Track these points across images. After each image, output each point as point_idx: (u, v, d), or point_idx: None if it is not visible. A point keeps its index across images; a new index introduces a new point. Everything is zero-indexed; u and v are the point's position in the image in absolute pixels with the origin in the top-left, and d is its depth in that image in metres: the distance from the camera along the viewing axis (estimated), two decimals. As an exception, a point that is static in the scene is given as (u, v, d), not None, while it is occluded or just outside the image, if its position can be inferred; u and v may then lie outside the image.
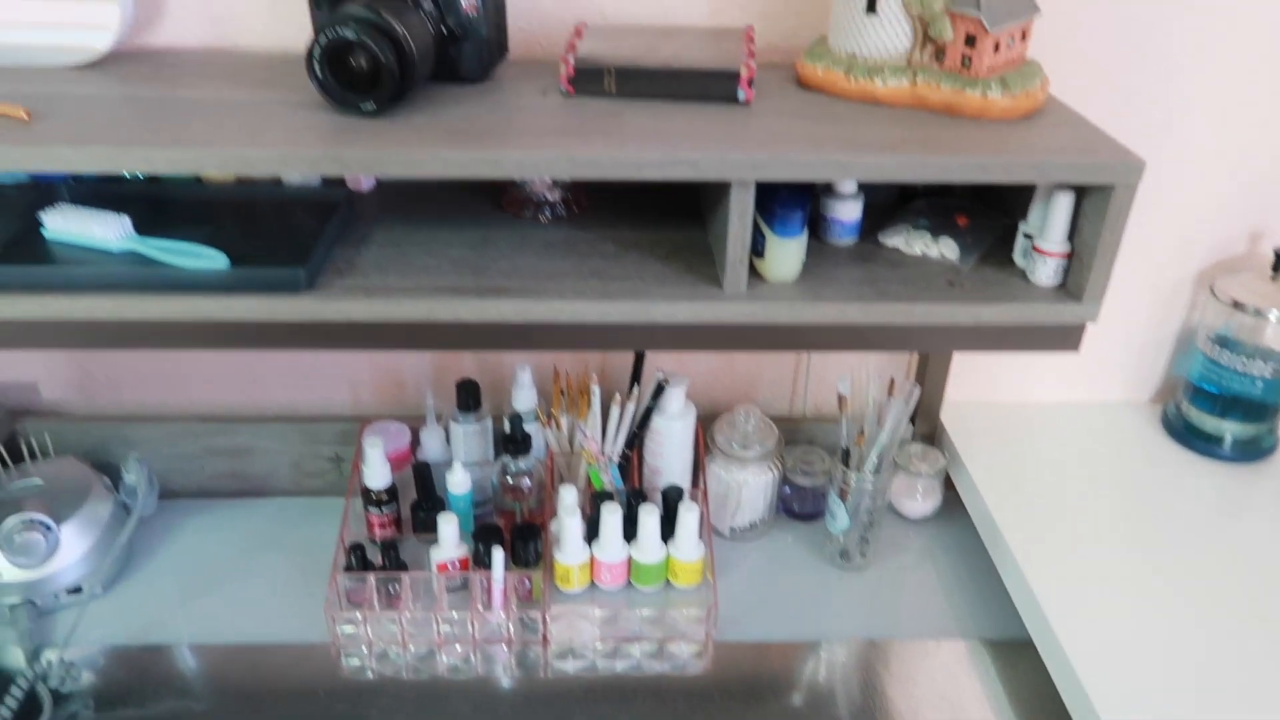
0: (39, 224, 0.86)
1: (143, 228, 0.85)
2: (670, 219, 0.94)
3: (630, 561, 1.07)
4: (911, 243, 0.91)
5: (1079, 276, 0.84)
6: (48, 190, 0.91)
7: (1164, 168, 1.10)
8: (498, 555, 1.01)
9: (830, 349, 0.91)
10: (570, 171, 0.76)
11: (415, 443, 1.18)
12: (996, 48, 0.85)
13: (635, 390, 1.12)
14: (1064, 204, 0.83)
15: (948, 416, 1.24)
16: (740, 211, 0.78)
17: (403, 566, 1.06)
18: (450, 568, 1.05)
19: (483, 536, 1.05)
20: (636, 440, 1.13)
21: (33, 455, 1.16)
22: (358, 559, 1.04)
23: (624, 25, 0.97)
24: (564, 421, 1.12)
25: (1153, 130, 1.08)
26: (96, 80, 0.89)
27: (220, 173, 0.93)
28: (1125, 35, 1.03)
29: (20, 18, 0.89)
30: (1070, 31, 1.02)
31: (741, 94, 0.86)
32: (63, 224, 0.85)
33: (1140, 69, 1.05)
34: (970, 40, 0.84)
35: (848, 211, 0.90)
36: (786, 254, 0.84)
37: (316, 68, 0.80)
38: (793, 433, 1.26)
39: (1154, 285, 1.21)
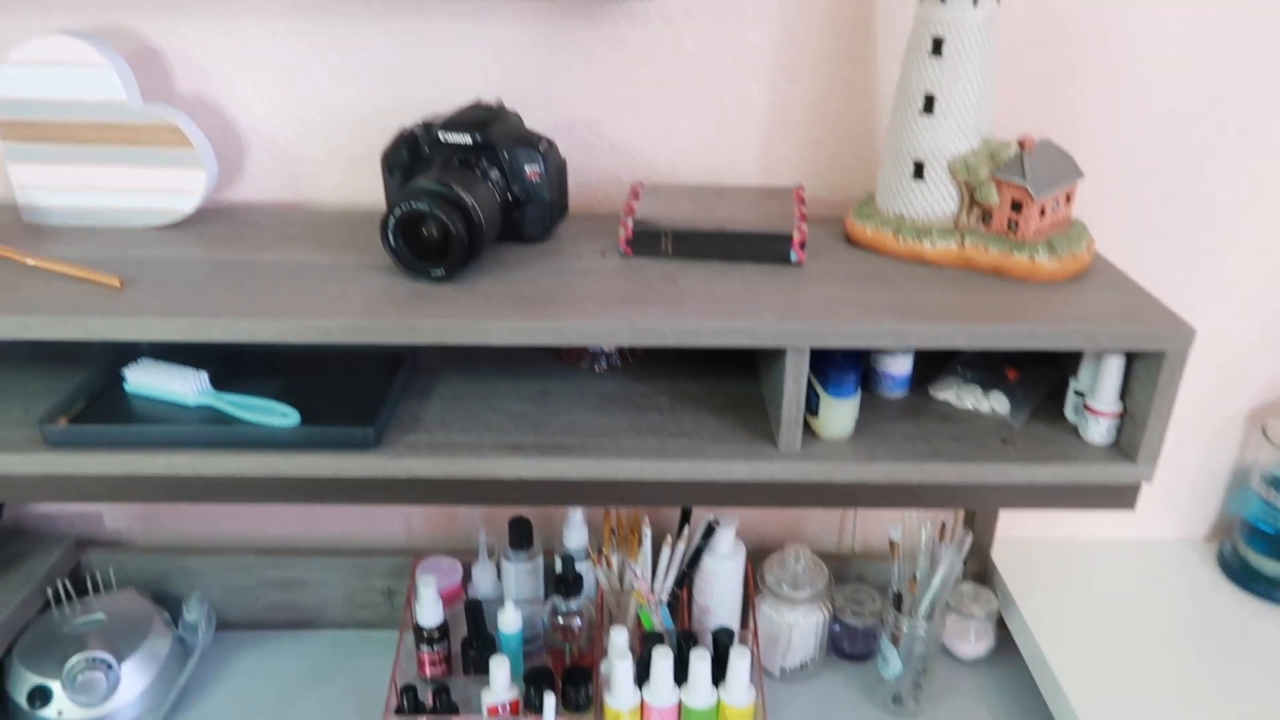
0: (121, 377, 0.90)
1: (218, 378, 0.88)
2: (723, 368, 0.96)
3: (681, 706, 1.06)
4: (962, 397, 0.92)
5: (1132, 436, 0.84)
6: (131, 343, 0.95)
7: (1211, 308, 1.12)
8: (549, 701, 1.01)
9: (884, 506, 0.91)
10: (631, 339, 0.79)
11: (467, 578, 1.19)
12: (1042, 212, 0.87)
13: (685, 530, 1.13)
14: (1115, 367, 0.84)
15: (999, 554, 1.24)
16: (795, 375, 0.81)
17: (454, 709, 1.06)
18: (501, 711, 1.05)
19: (534, 680, 1.05)
20: (686, 579, 1.13)
21: (95, 587, 1.18)
22: (410, 701, 1.05)
23: (678, 185, 1.01)
24: (615, 560, 1.13)
25: (1198, 272, 1.10)
26: (182, 242, 0.94)
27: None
28: (1166, 184, 1.06)
29: (115, 183, 0.95)
30: (1112, 184, 1.05)
31: (794, 255, 0.90)
32: (143, 378, 0.89)
33: (1182, 213, 1.07)
34: (1016, 205, 0.87)
35: (898, 366, 0.92)
36: (841, 413, 0.86)
37: (391, 238, 0.84)
38: (842, 570, 1.26)
39: (1206, 422, 1.21)
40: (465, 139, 0.88)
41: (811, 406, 0.85)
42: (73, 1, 0.87)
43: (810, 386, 0.84)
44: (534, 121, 1.00)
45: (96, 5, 0.87)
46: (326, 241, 0.95)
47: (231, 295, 0.82)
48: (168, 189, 0.96)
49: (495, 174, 0.90)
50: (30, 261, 0.85)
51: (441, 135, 0.89)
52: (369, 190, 1.06)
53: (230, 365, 0.92)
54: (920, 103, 0.88)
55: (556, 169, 0.94)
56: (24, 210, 0.97)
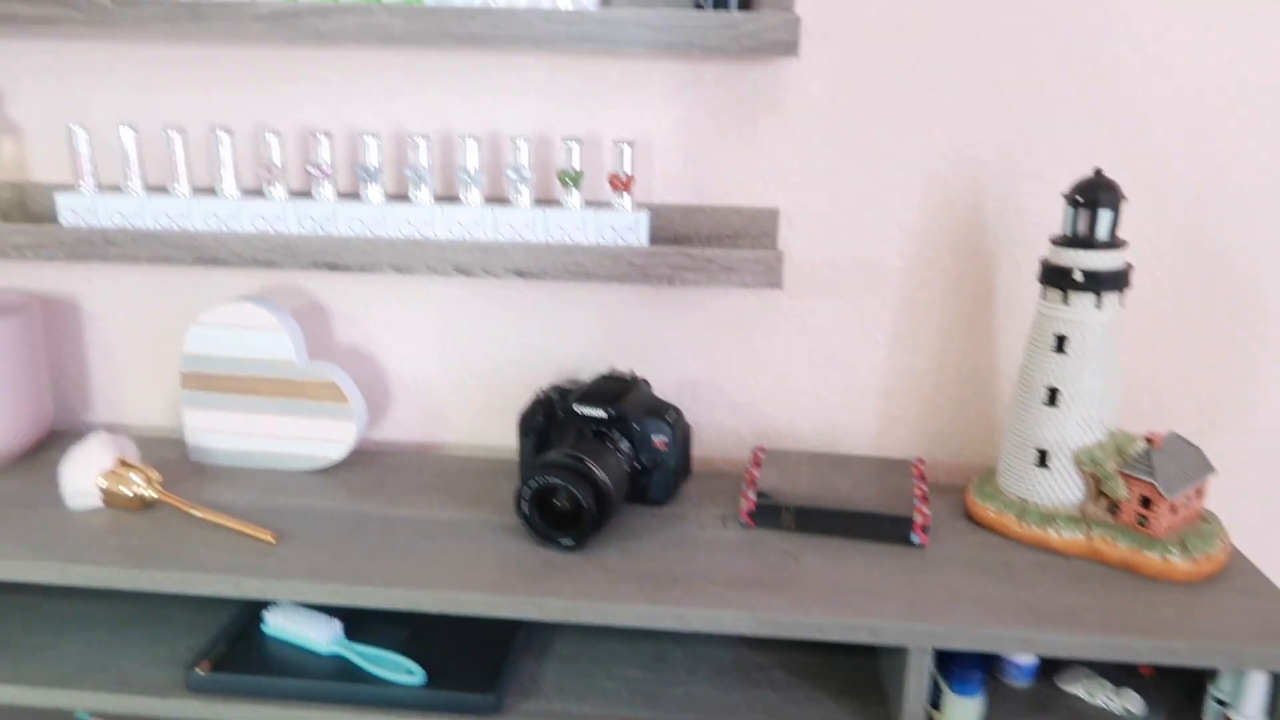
0: (261, 619, 0.94)
1: (350, 620, 0.92)
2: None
3: None
4: (1093, 693, 0.89)
5: (1283, 757, 0.79)
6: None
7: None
8: None
9: (1012, 812, 0.87)
10: (755, 630, 0.80)
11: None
12: (1173, 509, 0.86)
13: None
14: (1261, 682, 0.80)
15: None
16: (918, 672, 0.80)
17: None
18: None
19: None
20: None
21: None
22: None
23: (798, 453, 1.04)
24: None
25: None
26: (329, 490, 1.00)
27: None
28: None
29: (275, 431, 1.03)
30: (1246, 474, 1.03)
31: (916, 538, 0.90)
32: (282, 624, 0.94)
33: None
34: (1146, 501, 0.86)
35: (1026, 656, 0.90)
36: (965, 712, 0.83)
37: (524, 508, 0.88)
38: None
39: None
40: (599, 413, 0.93)
41: (934, 701, 0.84)
42: (258, 259, 0.97)
43: (934, 679, 0.82)
44: (659, 381, 1.06)
45: (277, 266, 0.97)
46: (460, 493, 1.00)
47: (373, 559, 0.87)
48: (321, 438, 1.03)
49: (625, 445, 0.94)
50: (196, 513, 0.92)
51: (577, 408, 0.94)
52: (498, 435, 1.12)
53: (363, 611, 0.96)
54: (1043, 394, 0.90)
55: (683, 436, 0.98)
56: (192, 450, 1.06)
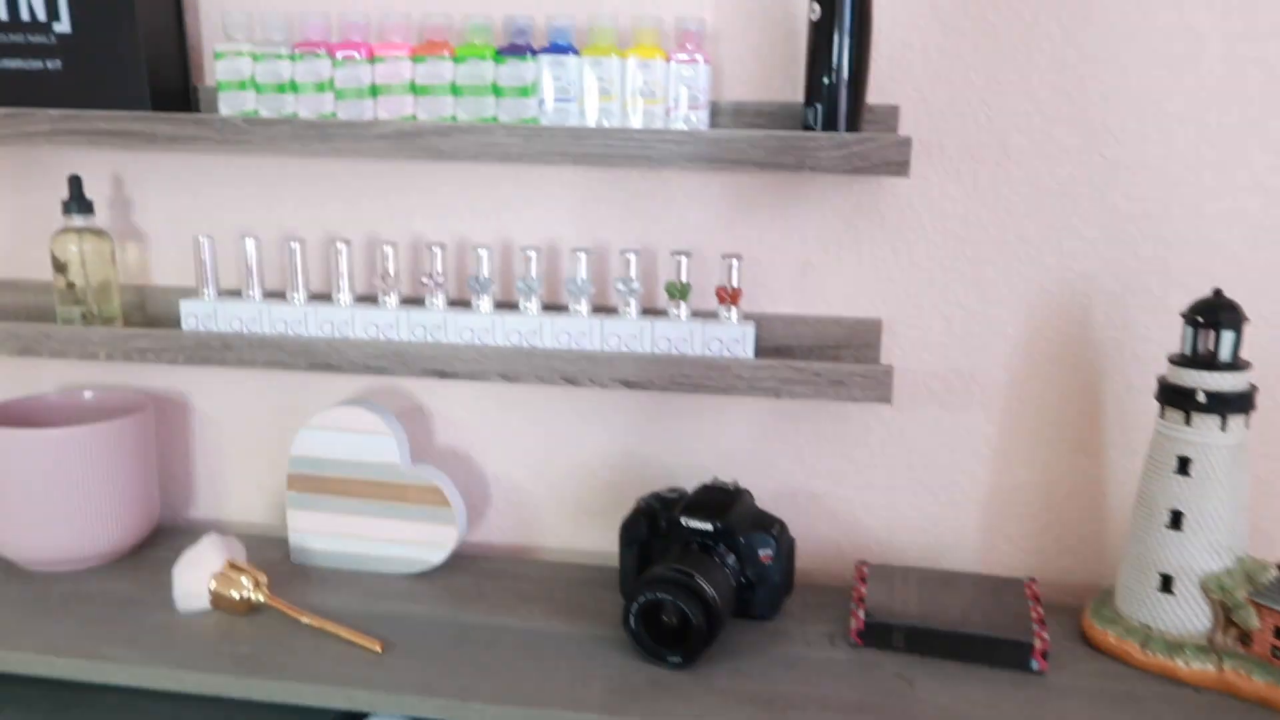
0: (360, 728, 0.94)
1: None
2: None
3: None
4: (1229, 837, 0.84)
5: None
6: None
7: None
8: None
9: None
10: (875, 762, 0.77)
11: None
12: (1311, 642, 0.83)
13: None
14: None
15: None
16: (1047, 812, 0.76)
17: None
18: None
19: None
20: None
21: None
22: None
23: (904, 568, 1.02)
24: None
25: None
26: (431, 595, 1.00)
27: None
28: None
29: (377, 534, 1.04)
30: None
31: (1035, 664, 0.87)
32: (382, 734, 0.93)
33: None
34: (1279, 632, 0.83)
35: (1153, 794, 0.85)
36: None
37: (632, 623, 0.87)
38: None
39: None
40: (706, 526, 0.93)
41: (1062, 842, 0.80)
42: (370, 365, 0.99)
43: (1061, 820, 0.78)
44: (759, 491, 1.05)
45: (388, 373, 0.99)
46: (560, 603, 0.99)
47: (481, 673, 0.86)
48: (423, 542, 1.04)
49: (732, 559, 0.93)
50: (304, 620, 0.92)
51: (683, 520, 0.93)
52: (595, 541, 1.12)
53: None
54: (1166, 517, 0.87)
55: (787, 550, 0.97)
56: (294, 551, 1.07)
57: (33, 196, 1.12)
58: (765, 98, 1.00)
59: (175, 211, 1.10)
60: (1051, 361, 1.01)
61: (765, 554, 0.94)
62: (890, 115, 0.96)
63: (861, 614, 0.92)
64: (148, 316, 1.12)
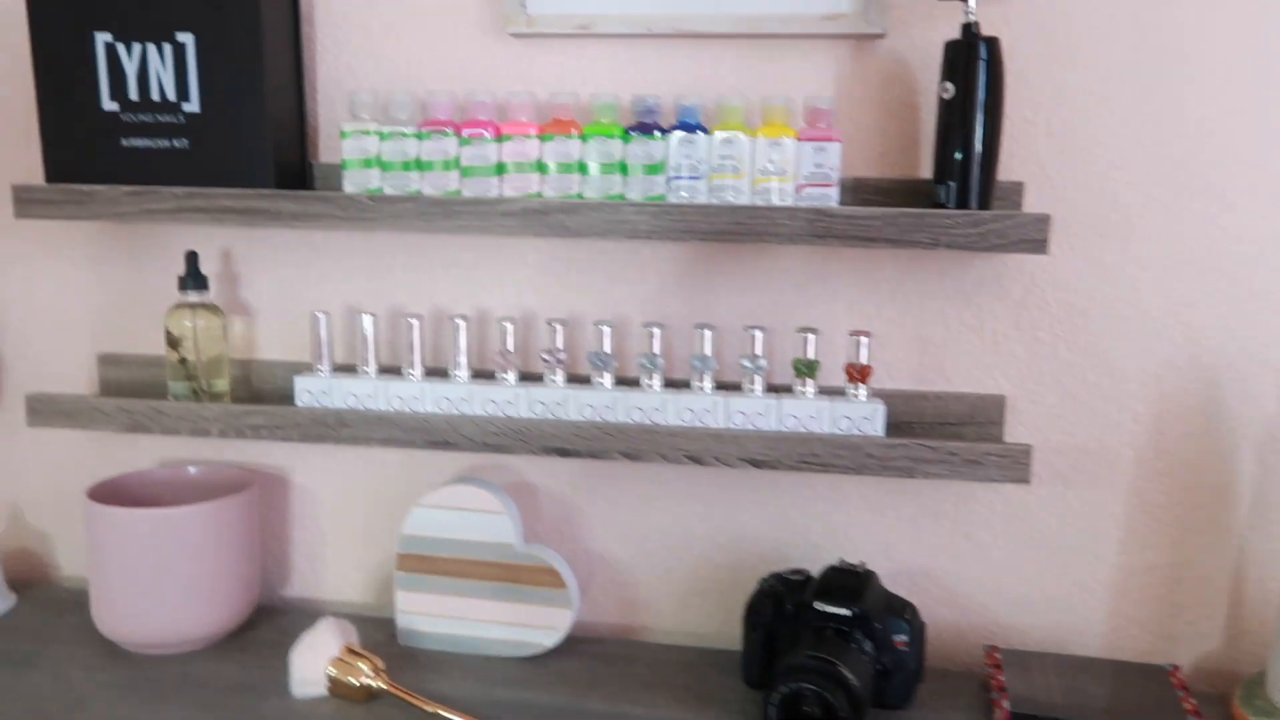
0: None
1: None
2: None
3: None
4: None
5: None
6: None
7: None
8: None
9: None
10: None
11: None
12: None
13: None
14: None
15: None
16: None
17: None
18: None
19: None
20: None
21: None
22: None
23: (1039, 655, 0.98)
24: None
25: None
26: (545, 682, 0.97)
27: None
28: None
29: (489, 616, 1.02)
30: None
31: (1194, 760, 0.83)
32: (503, 828, 0.89)
33: None
34: None
35: None
36: None
37: (772, 714, 0.84)
38: None
39: None
40: (843, 611, 0.90)
41: None
42: (488, 443, 0.98)
43: None
44: (876, 570, 1.02)
45: (507, 450, 0.97)
46: (680, 690, 0.96)
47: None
48: (536, 624, 1.01)
49: (869, 646, 0.90)
50: (428, 708, 0.90)
51: (818, 605, 0.91)
52: (703, 621, 1.09)
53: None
54: (1327, 603, 0.84)
55: (919, 635, 0.94)
56: (401, 634, 1.04)
57: (143, 272, 1.12)
58: (883, 174, 0.99)
59: (280, 285, 1.10)
60: (1180, 438, 0.99)
61: (900, 640, 0.91)
62: (1015, 191, 0.96)
63: (1006, 704, 0.88)
64: (253, 391, 1.11)
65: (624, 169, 0.94)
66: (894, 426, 1.00)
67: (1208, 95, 0.93)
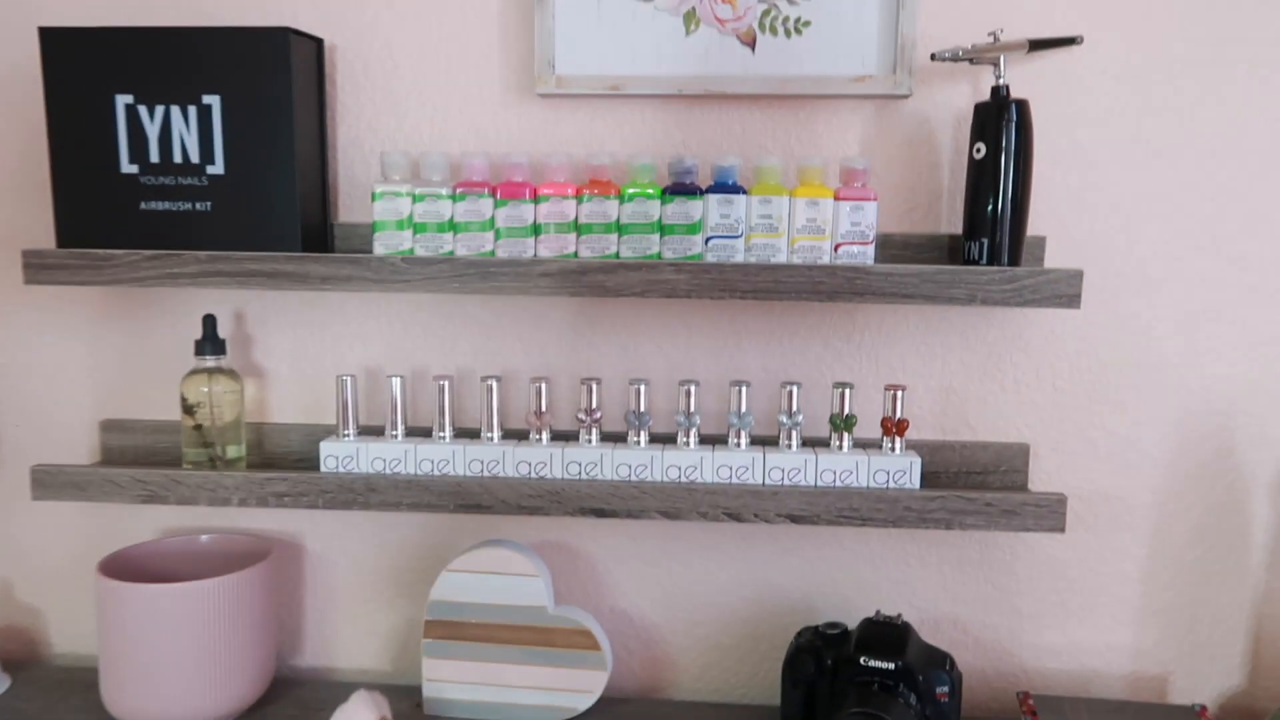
0: None
1: None
2: None
3: None
4: None
5: None
6: None
7: None
8: None
9: None
10: None
11: None
12: None
13: None
14: None
15: None
16: None
17: None
18: None
19: None
20: None
21: None
22: None
23: (1071, 699, 1.00)
24: None
25: None
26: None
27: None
28: None
29: (520, 681, 1.00)
30: None
31: (1239, 802, 0.85)
32: None
33: None
34: None
35: None
36: None
37: (830, 773, 0.84)
38: None
39: None
40: (887, 665, 0.90)
41: None
42: (523, 505, 0.96)
43: None
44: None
45: (542, 513, 0.96)
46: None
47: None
48: (569, 688, 0.99)
49: (913, 699, 0.90)
50: (476, 783, 0.87)
51: (862, 659, 0.91)
52: (730, 678, 1.09)
53: None
54: (1354, 643, 0.87)
55: (958, 686, 0.94)
56: (428, 702, 1.01)
57: (149, 336, 1.08)
58: (908, 229, 1.02)
59: (295, 346, 1.07)
60: (1198, 483, 1.02)
61: (942, 691, 0.92)
62: (1037, 245, 0.99)
63: (1052, 755, 0.89)
64: (265, 455, 1.08)
65: (662, 229, 0.95)
66: (923, 477, 1.02)
67: (1226, 154, 0.97)
